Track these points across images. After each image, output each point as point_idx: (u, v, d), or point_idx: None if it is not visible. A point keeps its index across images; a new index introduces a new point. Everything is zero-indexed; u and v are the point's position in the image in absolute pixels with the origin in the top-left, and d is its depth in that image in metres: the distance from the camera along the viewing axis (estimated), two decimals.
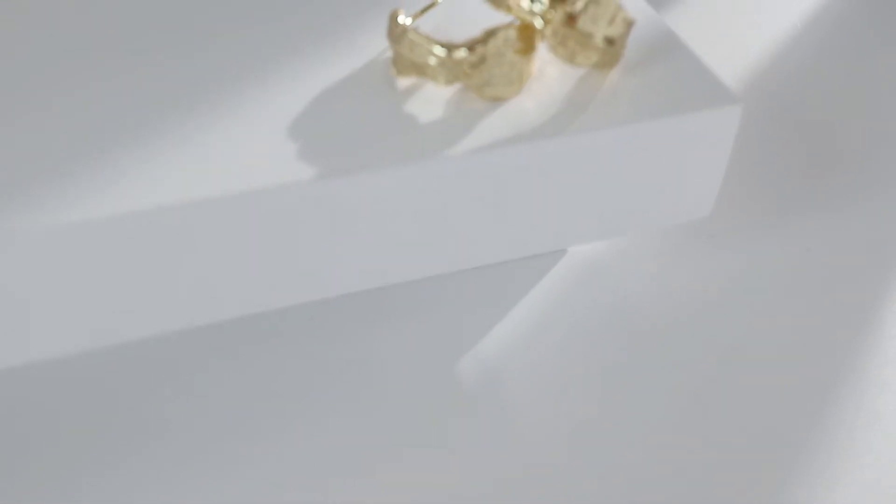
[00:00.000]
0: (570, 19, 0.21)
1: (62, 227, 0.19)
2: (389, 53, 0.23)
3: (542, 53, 0.23)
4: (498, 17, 0.23)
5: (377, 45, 0.23)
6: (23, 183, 0.19)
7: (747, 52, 0.38)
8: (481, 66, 0.21)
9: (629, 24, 0.22)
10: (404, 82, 0.22)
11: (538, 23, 0.21)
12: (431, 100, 0.22)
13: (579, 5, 0.21)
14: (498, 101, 0.22)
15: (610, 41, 0.22)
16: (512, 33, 0.21)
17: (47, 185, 0.19)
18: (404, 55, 0.21)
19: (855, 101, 0.35)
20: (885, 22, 0.40)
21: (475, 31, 0.23)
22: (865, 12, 0.41)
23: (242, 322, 0.26)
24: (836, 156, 0.32)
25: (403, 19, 0.22)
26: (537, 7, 0.21)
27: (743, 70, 0.37)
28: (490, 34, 0.21)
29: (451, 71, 0.21)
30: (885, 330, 0.27)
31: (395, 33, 0.21)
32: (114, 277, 0.20)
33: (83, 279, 0.20)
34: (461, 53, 0.21)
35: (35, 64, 0.23)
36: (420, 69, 0.21)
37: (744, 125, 0.33)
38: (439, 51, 0.21)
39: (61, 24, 0.24)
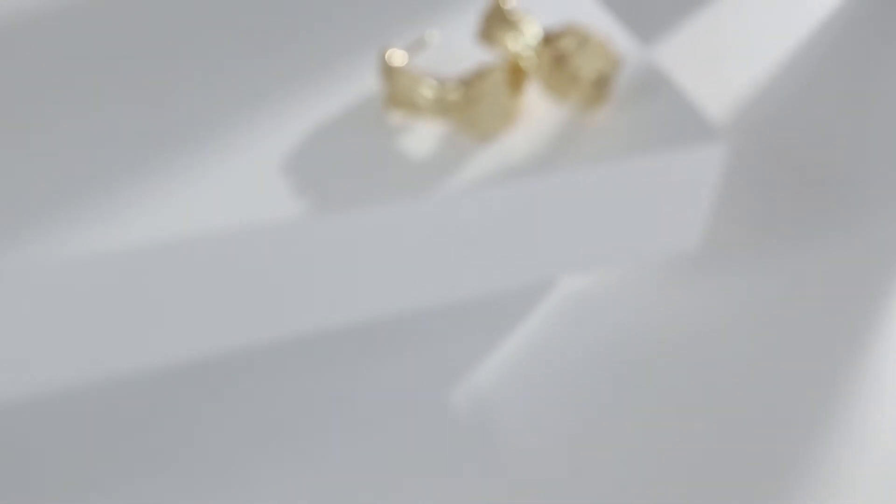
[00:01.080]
0: (559, 59, 0.21)
1: (53, 263, 0.19)
2: (381, 90, 0.23)
3: (531, 91, 0.23)
4: (488, 56, 0.23)
5: (370, 82, 0.24)
6: (10, 220, 0.20)
7: (737, 85, 0.38)
8: (472, 103, 0.21)
9: (617, 64, 0.22)
10: (396, 119, 0.23)
11: (528, 62, 0.21)
12: (422, 136, 0.22)
13: (568, 45, 0.21)
14: (488, 137, 0.22)
15: (598, 80, 0.22)
16: (502, 72, 0.22)
17: (36, 222, 0.20)
18: (396, 93, 0.22)
19: (843, 131, 0.36)
20: (873, 54, 0.41)
21: (466, 69, 0.24)
22: (852, 45, 0.41)
23: (235, 356, 0.26)
24: (824, 186, 0.33)
25: (396, 57, 0.22)
26: (527, 46, 0.21)
27: (732, 102, 0.37)
28: (480, 73, 0.21)
29: (441, 108, 0.22)
30: (877, 359, 0.27)
31: (387, 72, 0.22)
32: (105, 312, 0.20)
33: (75, 314, 0.20)
34: (452, 91, 0.21)
35: (25, 101, 0.23)
36: (411, 106, 0.22)
37: (732, 156, 0.33)
38: (430, 89, 0.21)
39: (53, 60, 0.25)
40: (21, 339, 0.20)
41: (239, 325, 0.22)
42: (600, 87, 0.22)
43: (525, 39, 0.22)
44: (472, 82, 0.21)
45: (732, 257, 0.30)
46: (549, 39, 0.21)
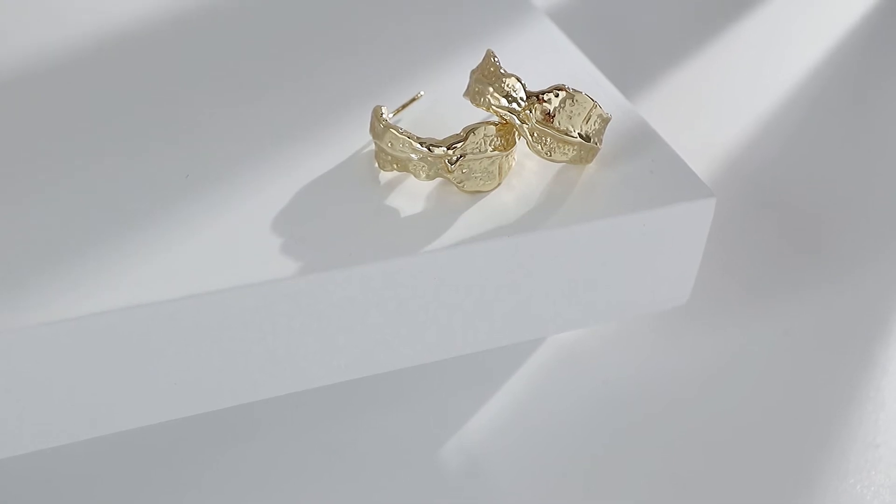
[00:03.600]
0: (547, 117, 0.22)
1: (46, 323, 0.19)
2: (373, 147, 0.24)
3: (521, 146, 0.23)
4: (477, 114, 0.24)
5: (362, 138, 0.24)
6: (3, 279, 0.20)
7: (722, 137, 0.38)
8: (461, 161, 0.21)
9: (605, 121, 0.23)
10: (387, 175, 0.23)
11: (516, 120, 0.22)
12: (413, 193, 0.22)
13: (556, 103, 0.22)
14: (478, 194, 0.22)
15: (586, 137, 0.22)
16: (491, 130, 0.22)
17: (29, 282, 0.20)
18: (386, 150, 0.22)
19: (829, 183, 0.36)
20: (859, 106, 0.41)
21: (456, 124, 0.24)
22: (837, 98, 0.42)
23: (226, 413, 0.26)
24: (812, 238, 0.33)
25: (385, 115, 0.22)
26: (515, 105, 0.22)
27: (718, 154, 0.37)
28: (470, 131, 0.22)
29: (431, 166, 0.22)
30: (867, 413, 0.27)
31: (378, 129, 0.22)
32: (98, 372, 0.20)
33: (70, 374, 0.20)
34: (441, 150, 0.21)
35: (17, 157, 0.23)
36: (402, 164, 0.22)
37: (721, 209, 0.33)
38: (420, 148, 0.21)
39: (44, 116, 0.25)
40: (14, 400, 0.20)
41: (229, 385, 0.21)
42: (589, 143, 0.22)
43: (514, 97, 0.22)
44: (461, 140, 0.22)
45: (722, 310, 0.30)
46: (537, 97, 0.22)
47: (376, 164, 0.23)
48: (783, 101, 0.41)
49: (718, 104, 0.41)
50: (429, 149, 0.22)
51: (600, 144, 0.23)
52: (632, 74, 0.42)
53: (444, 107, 0.25)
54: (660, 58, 0.44)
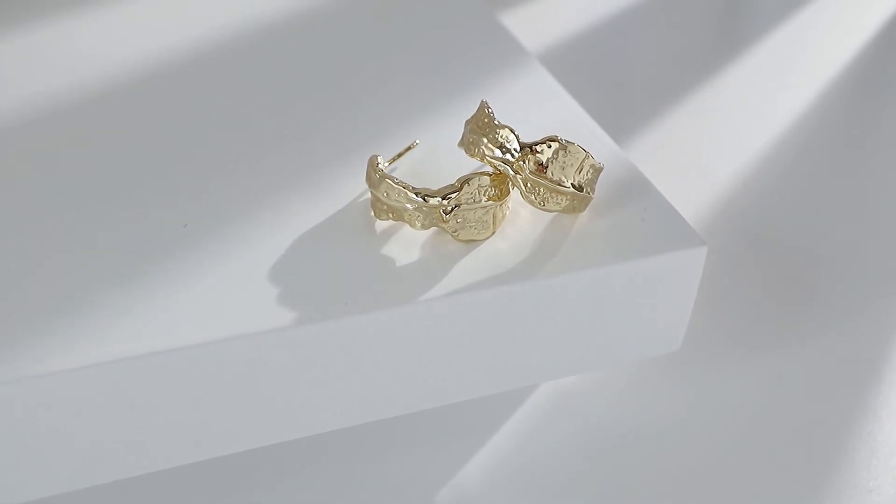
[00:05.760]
0: (540, 167, 0.22)
1: (40, 376, 0.19)
2: (369, 196, 0.24)
3: (515, 195, 0.24)
4: (471, 164, 0.24)
5: (358, 187, 0.24)
6: (5, 331, 0.20)
7: (715, 182, 0.39)
8: (456, 212, 0.22)
9: (598, 171, 0.23)
10: (382, 224, 0.23)
11: (510, 171, 0.22)
12: (408, 242, 0.23)
13: (549, 154, 0.22)
14: (472, 243, 0.22)
15: (579, 187, 0.22)
16: (485, 180, 0.22)
17: (24, 335, 0.20)
18: (382, 200, 0.22)
19: (822, 227, 0.36)
20: (850, 151, 0.42)
21: (451, 173, 0.24)
22: (830, 142, 0.42)
23: (220, 461, 0.26)
24: (803, 285, 0.33)
25: (381, 165, 0.23)
26: (509, 156, 0.22)
27: (711, 199, 0.38)
28: (464, 181, 0.22)
29: (426, 216, 0.22)
30: (859, 458, 0.27)
31: (374, 179, 0.22)
32: (93, 422, 0.20)
33: (65, 424, 0.20)
34: (436, 200, 0.22)
35: (16, 210, 0.23)
36: (397, 213, 0.22)
37: (714, 255, 0.34)
38: (415, 198, 0.22)
39: (40, 168, 0.25)
40: (8, 450, 0.20)
41: (226, 434, 0.22)
42: (582, 192, 0.23)
43: (507, 149, 0.22)
44: (456, 191, 0.22)
45: (714, 356, 0.30)
46: (530, 148, 0.22)
47: (372, 213, 0.23)
48: (775, 146, 0.42)
49: (711, 149, 0.41)
50: (424, 199, 0.22)
51: (593, 194, 0.23)
52: (625, 119, 0.43)
53: (439, 156, 0.25)
54: (653, 103, 0.45)
